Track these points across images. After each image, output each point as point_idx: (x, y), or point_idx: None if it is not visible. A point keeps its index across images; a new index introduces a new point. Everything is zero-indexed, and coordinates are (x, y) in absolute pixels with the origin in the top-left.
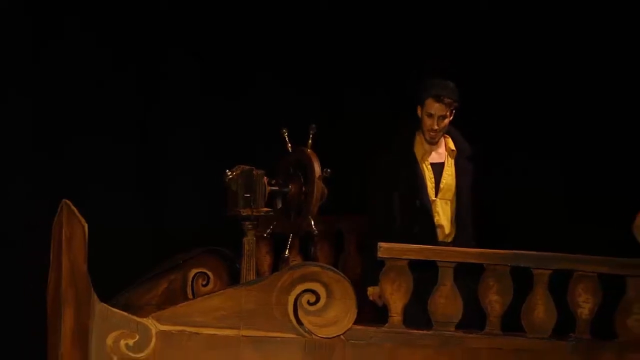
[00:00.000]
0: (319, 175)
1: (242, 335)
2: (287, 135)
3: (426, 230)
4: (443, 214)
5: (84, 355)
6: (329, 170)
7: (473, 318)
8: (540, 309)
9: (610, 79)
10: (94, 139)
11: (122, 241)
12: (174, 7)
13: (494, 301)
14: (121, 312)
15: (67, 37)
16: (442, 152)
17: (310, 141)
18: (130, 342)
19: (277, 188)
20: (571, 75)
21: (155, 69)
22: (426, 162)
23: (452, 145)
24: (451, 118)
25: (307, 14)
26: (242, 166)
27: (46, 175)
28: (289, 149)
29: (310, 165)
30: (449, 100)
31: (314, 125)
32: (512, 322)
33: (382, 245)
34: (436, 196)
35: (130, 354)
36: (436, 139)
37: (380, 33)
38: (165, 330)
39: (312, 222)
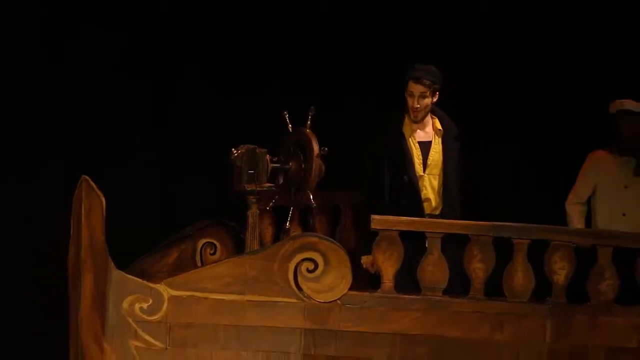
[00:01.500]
0: (317, 154)
1: (247, 300)
2: (287, 117)
3: (414, 204)
4: (430, 189)
5: (102, 317)
6: (326, 149)
7: (458, 284)
8: (520, 276)
9: (576, 71)
10: (112, 128)
11: (137, 214)
12: (184, 15)
13: (478, 268)
14: (136, 278)
15: (83, 38)
16: (430, 131)
17: (309, 122)
18: (144, 305)
19: (278, 165)
20: (547, 66)
21: (170, 69)
22: (414, 140)
23: (439, 125)
24: (435, 100)
25: (305, 18)
26: (246, 145)
27: (68, 160)
28: (290, 129)
29: (309, 144)
30: (428, 81)
31: (312, 108)
32: (494, 287)
33: (375, 217)
34: (424, 172)
35: (144, 316)
36: (419, 118)
37: (375, 24)
38: (176, 295)
39: (311, 197)
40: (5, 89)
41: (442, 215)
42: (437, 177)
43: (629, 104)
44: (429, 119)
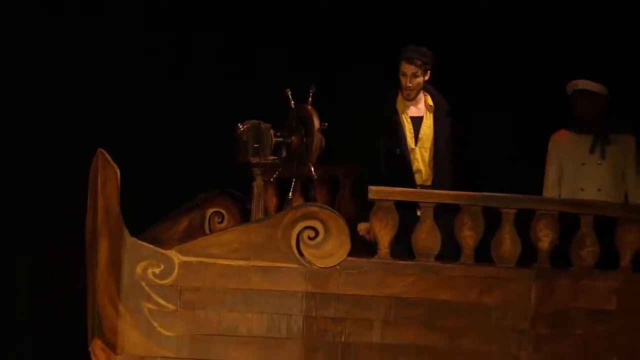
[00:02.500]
0: (318, 129)
1: (252, 265)
2: (290, 94)
3: (406, 175)
4: (421, 161)
5: (117, 281)
6: (326, 124)
7: (450, 251)
8: (507, 243)
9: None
10: (127, 97)
11: (150, 184)
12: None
13: (468, 236)
14: (149, 245)
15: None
16: (422, 107)
17: (310, 99)
18: (157, 270)
19: (281, 139)
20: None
21: (185, 40)
22: (406, 116)
23: (430, 102)
24: (426, 78)
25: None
26: (251, 120)
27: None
28: (292, 105)
29: (310, 120)
30: (419, 61)
31: (313, 85)
32: (483, 254)
33: (372, 188)
34: (415, 145)
35: (157, 280)
36: (411, 96)
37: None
38: (186, 261)
39: (312, 169)
40: (10, 57)
41: (433, 185)
42: (428, 150)
43: (583, 84)
44: (421, 95)
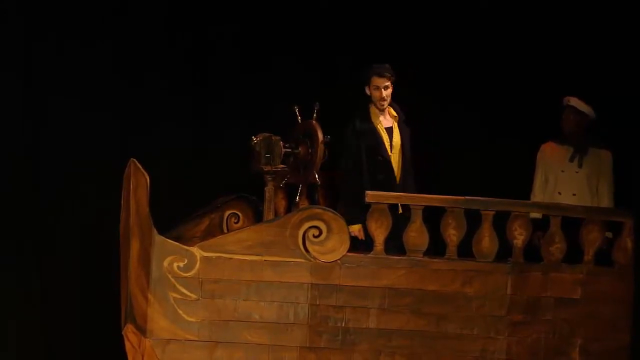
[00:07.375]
0: (322, 141)
1: (264, 260)
2: (298, 111)
3: (388, 177)
4: (396, 165)
5: (147, 274)
6: (329, 137)
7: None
8: (486, 240)
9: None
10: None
11: (175, 188)
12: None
13: (452, 234)
14: (174, 242)
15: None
16: (389, 118)
17: (315, 115)
18: (181, 264)
19: (290, 150)
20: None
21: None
22: (381, 127)
23: (394, 112)
24: (391, 89)
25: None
26: (264, 133)
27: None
28: (299, 120)
29: (315, 133)
30: (389, 74)
31: (317, 104)
32: (465, 249)
33: (369, 192)
34: (391, 152)
35: (181, 273)
36: (385, 106)
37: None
38: (206, 256)
39: (316, 176)
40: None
41: (403, 185)
42: (398, 155)
43: (574, 102)
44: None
